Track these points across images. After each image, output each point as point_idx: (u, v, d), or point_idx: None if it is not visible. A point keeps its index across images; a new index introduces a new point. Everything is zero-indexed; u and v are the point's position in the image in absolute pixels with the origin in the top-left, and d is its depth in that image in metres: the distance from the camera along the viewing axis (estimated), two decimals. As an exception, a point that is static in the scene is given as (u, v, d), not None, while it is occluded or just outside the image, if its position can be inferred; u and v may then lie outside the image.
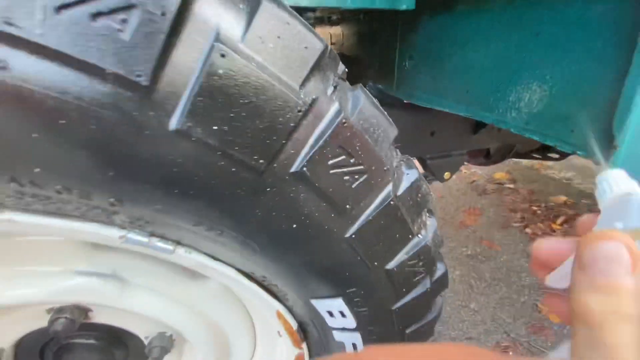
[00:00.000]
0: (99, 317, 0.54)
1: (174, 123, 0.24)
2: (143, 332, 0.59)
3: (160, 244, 0.35)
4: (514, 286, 1.71)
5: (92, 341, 0.58)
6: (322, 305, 0.44)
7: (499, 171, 2.74)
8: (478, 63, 0.65)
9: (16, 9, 0.18)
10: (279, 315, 0.50)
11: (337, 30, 1.18)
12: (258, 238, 0.34)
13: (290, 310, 0.48)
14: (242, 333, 0.62)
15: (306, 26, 0.27)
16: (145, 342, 0.60)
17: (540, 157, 1.50)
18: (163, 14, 0.21)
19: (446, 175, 1.24)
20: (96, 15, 0.20)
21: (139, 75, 0.22)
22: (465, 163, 1.34)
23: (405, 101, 0.94)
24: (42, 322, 0.51)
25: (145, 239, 0.34)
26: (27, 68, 0.20)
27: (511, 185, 2.60)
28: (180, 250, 0.36)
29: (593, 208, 0.21)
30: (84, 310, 0.52)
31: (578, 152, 0.44)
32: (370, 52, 0.99)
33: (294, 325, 0.50)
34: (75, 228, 0.31)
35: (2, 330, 0.51)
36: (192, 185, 0.28)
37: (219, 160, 0.27)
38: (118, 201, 0.28)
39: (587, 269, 0.19)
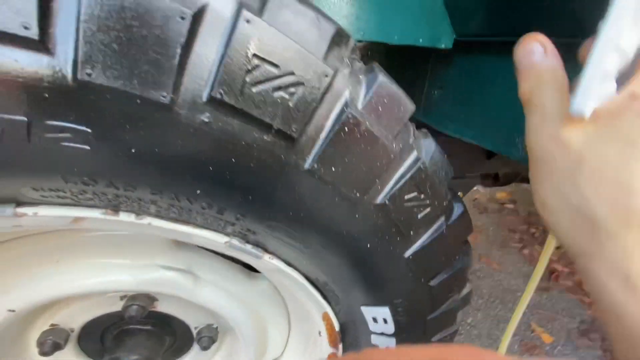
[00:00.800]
0: (162, 306, 0.60)
1: (307, 164, 0.31)
2: (194, 322, 0.66)
3: (253, 250, 0.42)
4: (510, 305, 1.79)
5: (148, 327, 0.64)
6: (370, 312, 0.52)
7: (501, 191, 2.84)
8: (506, 104, 0.73)
9: (228, 82, 0.26)
10: (325, 317, 0.57)
11: (364, 44, 1.25)
12: (338, 253, 0.41)
13: (337, 313, 0.55)
14: (280, 328, 0.69)
15: (402, 92, 0.35)
16: (194, 332, 0.67)
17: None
18: (318, 88, 0.29)
19: (459, 194, 1.31)
20: (276, 89, 0.27)
21: (293, 131, 0.29)
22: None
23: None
24: (115, 307, 0.58)
25: (242, 245, 0.41)
26: (222, 124, 0.27)
27: (511, 206, 2.69)
28: (266, 256, 0.43)
29: None
30: (152, 299, 0.59)
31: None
32: (398, 76, 1.06)
33: (336, 326, 0.57)
34: (192, 233, 0.38)
35: (79, 312, 0.57)
36: (304, 209, 0.35)
37: (329, 192, 0.34)
38: (242, 216, 0.35)
39: (517, 65, 0.25)
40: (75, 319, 0.58)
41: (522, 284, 1.93)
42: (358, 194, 0.35)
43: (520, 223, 2.44)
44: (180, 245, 0.53)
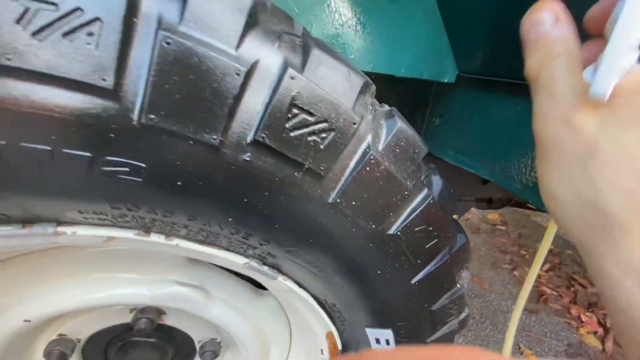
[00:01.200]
0: (169, 320, 0.62)
1: (330, 198, 0.35)
2: (198, 336, 0.67)
3: (269, 271, 0.44)
4: (500, 326, 1.82)
5: (152, 340, 0.65)
6: (373, 333, 0.54)
7: (493, 212, 2.90)
8: (505, 138, 0.77)
9: (270, 128, 0.29)
10: (329, 336, 0.59)
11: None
12: (350, 277, 0.44)
13: (341, 333, 0.58)
14: (282, 345, 0.71)
15: (418, 135, 0.39)
16: (197, 345, 0.68)
17: (535, 208, 1.66)
18: (346, 134, 0.32)
19: (454, 217, 1.36)
20: (310, 134, 0.31)
21: (321, 169, 0.32)
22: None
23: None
24: (124, 319, 0.59)
25: (260, 267, 0.44)
26: (261, 163, 0.30)
27: (502, 227, 2.74)
28: (280, 278, 0.46)
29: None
30: (160, 312, 0.60)
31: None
32: (400, 102, 1.11)
33: (339, 345, 0.59)
34: (215, 254, 0.41)
35: (88, 322, 0.58)
36: (323, 238, 0.38)
37: (347, 224, 0.37)
38: (266, 242, 0.38)
39: (524, 38, 0.21)
40: (83, 329, 0.59)
41: (512, 305, 1.95)
42: (373, 225, 0.39)
43: (511, 245, 2.49)
44: (194, 261, 0.55)
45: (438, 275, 0.47)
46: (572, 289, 2.02)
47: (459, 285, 0.53)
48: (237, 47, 0.26)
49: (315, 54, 0.30)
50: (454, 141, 0.95)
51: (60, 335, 0.58)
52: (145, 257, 0.52)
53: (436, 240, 0.44)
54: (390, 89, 1.15)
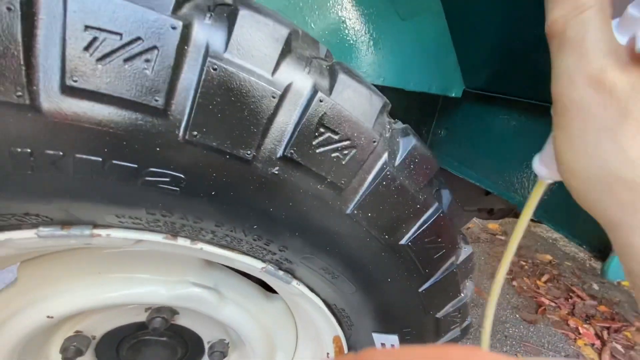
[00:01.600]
0: (181, 320, 0.64)
1: (348, 210, 0.37)
2: (207, 336, 0.69)
3: (284, 275, 0.47)
4: (498, 335, 1.83)
5: (163, 339, 0.67)
6: (379, 338, 0.56)
7: (493, 222, 2.92)
8: (507, 152, 0.80)
9: (299, 145, 0.32)
10: (336, 339, 0.61)
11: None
12: (361, 284, 0.46)
13: (347, 337, 0.60)
14: (288, 347, 0.73)
15: (431, 153, 0.41)
16: (207, 345, 0.70)
17: (535, 219, 1.69)
18: (366, 151, 0.35)
19: (456, 227, 1.38)
20: (334, 150, 0.33)
21: (342, 183, 0.35)
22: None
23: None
24: (138, 317, 0.61)
25: (276, 271, 0.46)
26: (287, 176, 0.33)
27: (502, 237, 2.76)
28: (294, 282, 0.48)
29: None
30: (174, 312, 0.62)
31: (584, 246, 0.58)
32: (408, 114, 1.14)
33: (346, 349, 0.61)
34: (235, 258, 0.43)
35: (104, 320, 0.60)
36: (339, 246, 0.40)
37: (362, 233, 0.40)
38: (285, 248, 0.41)
39: None
40: (99, 326, 0.61)
41: (511, 315, 1.97)
42: (386, 236, 0.41)
43: (511, 255, 2.50)
44: (209, 263, 0.57)
45: (444, 285, 0.50)
46: (570, 300, 2.04)
47: (463, 295, 0.55)
48: (274, 72, 0.29)
49: (342, 78, 0.32)
50: (458, 154, 0.98)
51: (76, 332, 0.60)
52: (164, 259, 0.54)
53: (444, 251, 0.46)
54: (398, 102, 1.18)
